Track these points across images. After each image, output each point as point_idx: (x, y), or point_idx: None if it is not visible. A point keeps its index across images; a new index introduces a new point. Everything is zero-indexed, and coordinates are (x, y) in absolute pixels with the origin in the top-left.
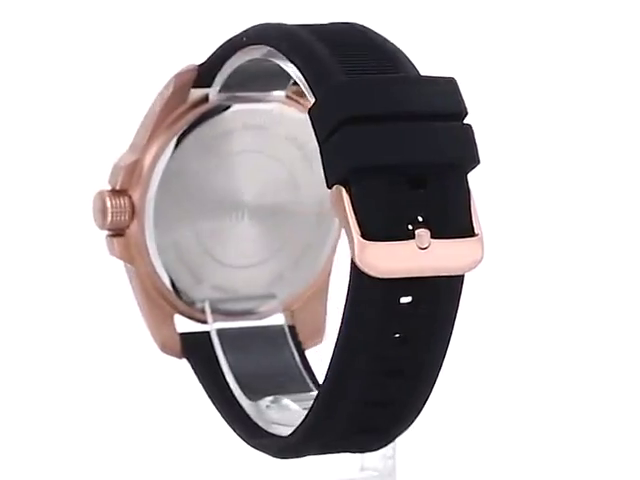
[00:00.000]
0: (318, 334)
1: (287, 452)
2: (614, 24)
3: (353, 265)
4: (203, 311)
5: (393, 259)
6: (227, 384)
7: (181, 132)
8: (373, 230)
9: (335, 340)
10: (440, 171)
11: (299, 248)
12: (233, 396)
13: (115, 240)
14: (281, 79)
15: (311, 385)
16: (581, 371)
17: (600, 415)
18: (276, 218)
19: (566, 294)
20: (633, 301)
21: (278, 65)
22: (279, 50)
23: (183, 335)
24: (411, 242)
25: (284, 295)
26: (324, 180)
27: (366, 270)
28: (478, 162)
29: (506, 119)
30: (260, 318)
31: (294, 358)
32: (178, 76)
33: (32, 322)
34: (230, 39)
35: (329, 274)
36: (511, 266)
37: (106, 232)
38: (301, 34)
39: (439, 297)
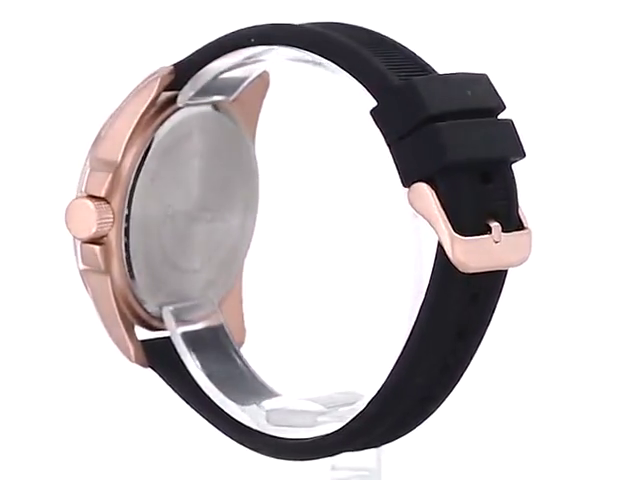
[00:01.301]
0: (243, 336)
1: (315, 452)
2: (617, 23)
3: (443, 261)
4: (159, 318)
5: (479, 254)
6: (199, 388)
7: (152, 136)
8: (461, 226)
9: (409, 336)
10: (502, 165)
11: (228, 250)
12: (209, 398)
13: (98, 248)
14: (235, 84)
15: (270, 387)
16: (572, 374)
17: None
18: (214, 221)
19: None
20: None
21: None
22: (315, 52)
23: (143, 343)
24: (489, 237)
25: (218, 298)
26: (400, 179)
27: (458, 266)
28: (524, 155)
29: None
30: (195, 322)
31: (243, 359)
32: (162, 79)
33: None
34: (220, 40)
35: (242, 276)
36: None
37: (80, 240)
38: (331, 34)
39: (492, 291)
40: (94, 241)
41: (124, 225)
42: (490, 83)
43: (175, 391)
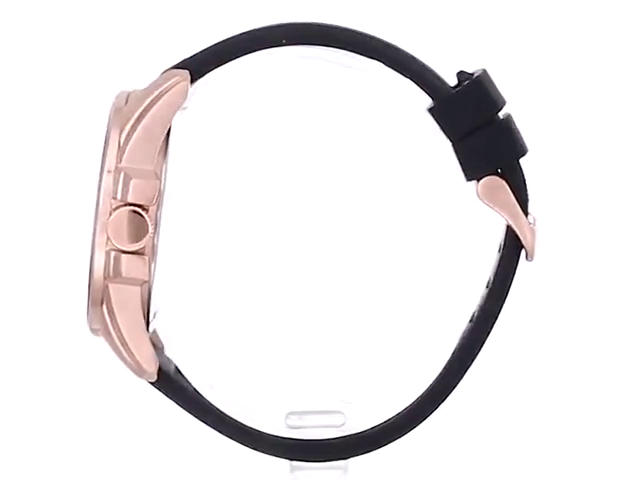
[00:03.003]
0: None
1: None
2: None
3: (514, 250)
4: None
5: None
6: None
7: (167, 141)
8: (526, 215)
9: (473, 324)
10: None
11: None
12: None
13: (144, 259)
14: None
15: None
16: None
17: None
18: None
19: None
20: None
21: None
22: (361, 54)
23: None
24: (532, 225)
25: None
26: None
27: (531, 253)
28: None
29: None
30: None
31: None
32: (186, 85)
33: None
34: (239, 40)
35: None
36: None
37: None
38: (372, 36)
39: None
40: (136, 252)
41: (156, 235)
42: None
43: (175, 402)
